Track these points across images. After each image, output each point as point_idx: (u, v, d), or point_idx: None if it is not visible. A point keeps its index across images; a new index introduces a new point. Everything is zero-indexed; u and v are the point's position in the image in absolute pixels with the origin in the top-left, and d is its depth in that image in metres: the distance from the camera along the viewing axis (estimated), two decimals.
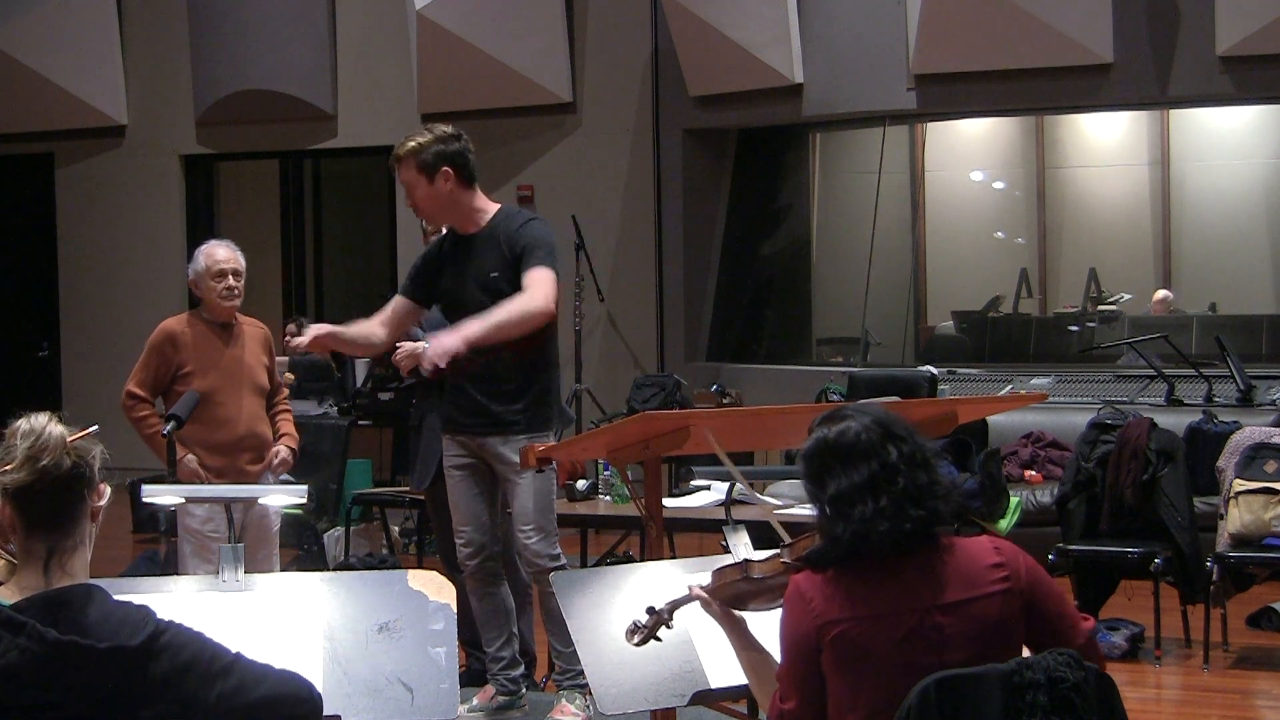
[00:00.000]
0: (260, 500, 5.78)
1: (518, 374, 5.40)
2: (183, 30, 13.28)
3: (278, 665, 2.62)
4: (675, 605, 3.42)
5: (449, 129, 5.55)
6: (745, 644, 3.31)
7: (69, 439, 2.56)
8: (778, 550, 3.32)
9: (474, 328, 5.19)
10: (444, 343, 5.15)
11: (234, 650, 2.58)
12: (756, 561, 3.30)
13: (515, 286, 5.33)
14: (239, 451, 5.99)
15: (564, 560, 5.46)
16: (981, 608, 2.94)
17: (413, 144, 5.43)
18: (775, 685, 3.07)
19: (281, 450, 6.11)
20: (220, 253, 6.09)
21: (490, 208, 5.52)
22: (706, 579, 3.42)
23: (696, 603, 3.39)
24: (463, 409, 5.46)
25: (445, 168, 5.42)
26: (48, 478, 2.53)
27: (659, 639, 3.43)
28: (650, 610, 3.42)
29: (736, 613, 3.35)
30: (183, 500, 5.46)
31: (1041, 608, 3.00)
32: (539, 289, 5.27)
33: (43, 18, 13.16)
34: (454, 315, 5.43)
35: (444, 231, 5.89)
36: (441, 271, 5.52)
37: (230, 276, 6.03)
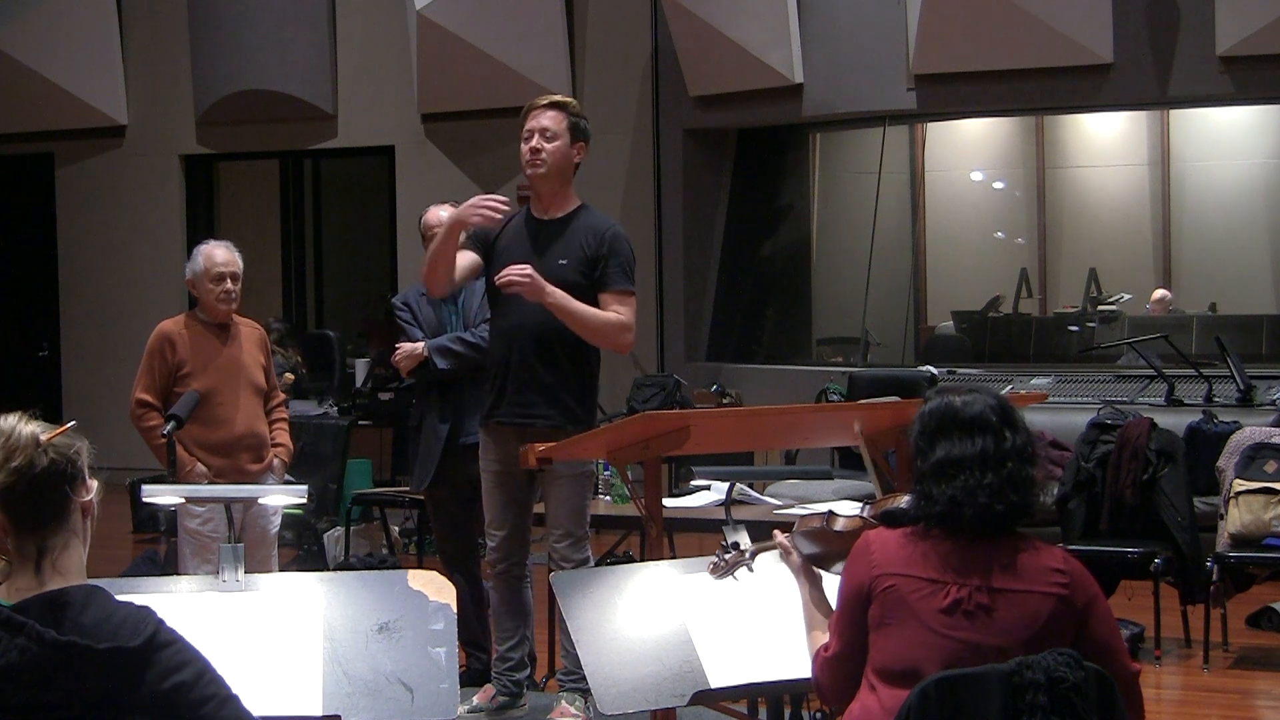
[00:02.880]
0: (260, 500, 5.78)
1: (559, 375, 5.38)
2: (183, 30, 13.28)
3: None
4: (760, 549, 3.68)
5: None
6: (814, 598, 3.46)
7: (43, 437, 2.55)
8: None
9: (565, 299, 5.19)
10: (541, 285, 5.11)
11: (231, 689, 2.58)
12: (841, 515, 3.42)
13: (583, 279, 5.31)
14: (238, 451, 5.98)
15: (592, 564, 5.45)
16: (1032, 603, 3.00)
17: (572, 101, 5.48)
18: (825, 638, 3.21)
19: (274, 462, 6.12)
20: (219, 255, 6.07)
21: (575, 199, 5.49)
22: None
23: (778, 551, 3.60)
24: (505, 405, 5.43)
25: (582, 143, 5.43)
26: (24, 478, 2.52)
27: (736, 578, 3.71)
28: (735, 546, 3.68)
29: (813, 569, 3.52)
30: (183, 500, 5.46)
31: (1091, 632, 3.05)
32: (627, 326, 5.33)
33: (43, 18, 13.16)
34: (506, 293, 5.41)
35: (432, 229, 5.90)
36: (505, 244, 5.44)
37: (228, 280, 6.02)
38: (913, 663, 2.97)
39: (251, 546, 5.88)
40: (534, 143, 5.35)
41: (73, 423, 2.64)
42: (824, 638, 3.25)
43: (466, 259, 5.44)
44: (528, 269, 5.15)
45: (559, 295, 5.20)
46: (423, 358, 6.03)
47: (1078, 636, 3.03)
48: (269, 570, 5.95)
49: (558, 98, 5.47)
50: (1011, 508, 3.04)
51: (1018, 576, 3.02)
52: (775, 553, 3.64)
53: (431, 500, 6.21)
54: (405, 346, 6.11)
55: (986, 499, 3.02)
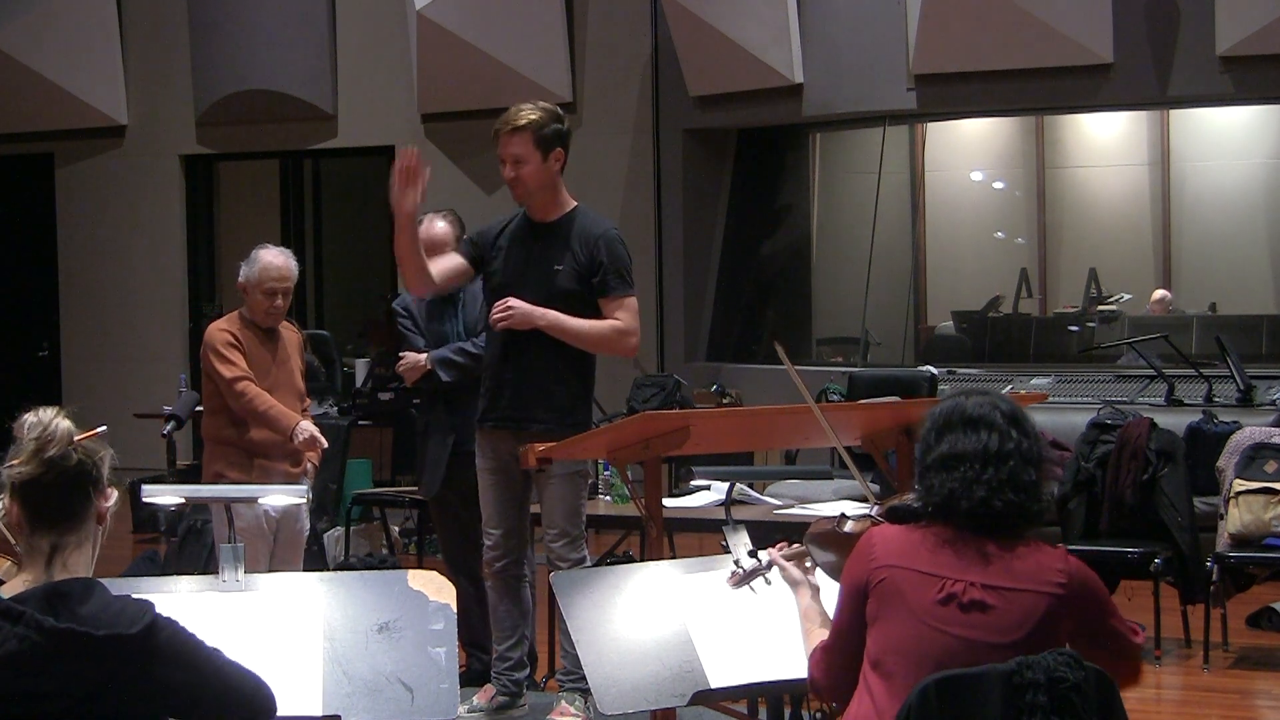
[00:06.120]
0: (260, 501, 5.77)
1: (554, 376, 5.38)
2: (183, 30, 13.28)
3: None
4: (784, 558, 3.71)
5: (557, 108, 5.44)
6: (812, 611, 3.51)
7: (76, 436, 2.57)
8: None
9: (558, 319, 5.23)
10: (528, 311, 5.18)
11: (216, 650, 2.60)
12: (851, 517, 3.45)
13: (578, 284, 5.31)
14: (284, 456, 5.96)
15: (589, 563, 5.45)
16: (1028, 601, 3.01)
17: (534, 116, 5.28)
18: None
19: (308, 465, 6.11)
20: (275, 267, 5.94)
21: (570, 201, 5.45)
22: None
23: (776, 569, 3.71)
24: (500, 407, 5.43)
25: (559, 148, 5.32)
26: (54, 470, 2.54)
27: (753, 590, 3.76)
28: (753, 554, 3.77)
29: (814, 581, 3.58)
30: (183, 500, 5.45)
31: (1092, 624, 3.09)
32: (628, 331, 5.33)
33: (43, 18, 13.15)
34: (503, 296, 5.37)
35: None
36: (502, 248, 5.43)
37: (279, 296, 5.97)
38: (905, 655, 2.98)
39: (283, 548, 5.89)
40: (508, 172, 5.33)
41: (103, 428, 2.65)
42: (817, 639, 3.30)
43: (452, 262, 5.45)
44: (508, 301, 5.23)
45: (550, 317, 5.23)
46: (427, 370, 6.03)
47: (1077, 627, 3.06)
48: (297, 570, 5.96)
49: (520, 120, 5.29)
50: (1010, 506, 3.04)
51: (1016, 576, 3.02)
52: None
53: (438, 505, 6.21)
54: (409, 357, 6.10)
55: (984, 493, 3.03)
